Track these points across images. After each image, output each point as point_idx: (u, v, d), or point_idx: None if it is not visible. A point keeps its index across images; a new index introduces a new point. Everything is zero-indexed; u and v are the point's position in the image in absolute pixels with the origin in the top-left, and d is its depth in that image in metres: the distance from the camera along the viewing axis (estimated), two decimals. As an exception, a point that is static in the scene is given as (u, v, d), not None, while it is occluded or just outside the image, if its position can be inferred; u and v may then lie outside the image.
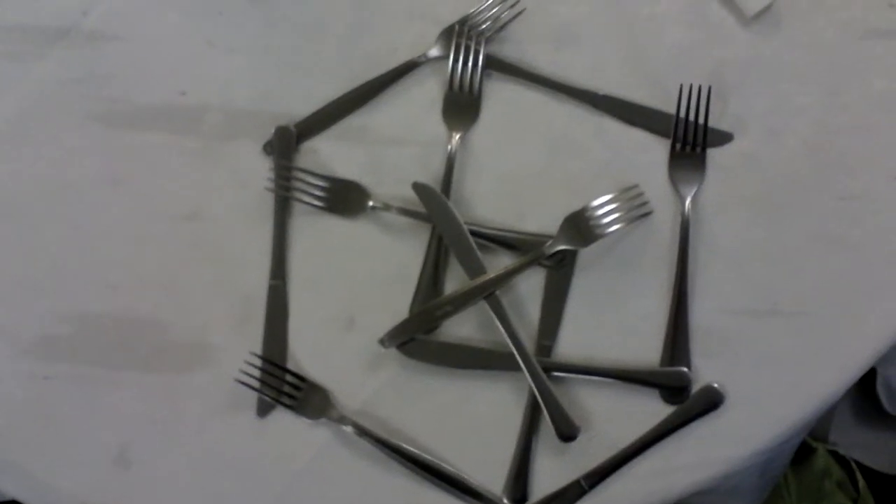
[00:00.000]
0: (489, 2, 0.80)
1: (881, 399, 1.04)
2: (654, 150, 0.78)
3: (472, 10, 0.80)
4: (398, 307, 0.76)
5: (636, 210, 0.75)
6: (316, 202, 0.78)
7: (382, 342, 0.74)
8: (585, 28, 0.81)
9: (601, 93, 0.79)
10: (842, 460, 1.12)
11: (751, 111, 0.78)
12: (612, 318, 0.75)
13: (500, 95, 0.80)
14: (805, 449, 1.10)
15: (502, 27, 0.80)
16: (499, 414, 0.74)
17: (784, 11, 0.79)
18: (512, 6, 0.80)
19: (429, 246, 0.77)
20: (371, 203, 0.77)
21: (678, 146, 0.77)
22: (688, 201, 0.76)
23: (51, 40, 0.83)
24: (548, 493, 0.73)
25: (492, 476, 0.73)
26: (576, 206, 0.74)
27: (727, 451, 0.73)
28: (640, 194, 0.76)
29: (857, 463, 1.12)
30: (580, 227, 0.74)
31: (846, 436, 1.13)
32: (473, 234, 0.75)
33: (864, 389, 1.08)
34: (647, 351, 0.74)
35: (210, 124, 0.81)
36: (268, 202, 0.79)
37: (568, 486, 0.73)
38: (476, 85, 0.79)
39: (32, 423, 0.77)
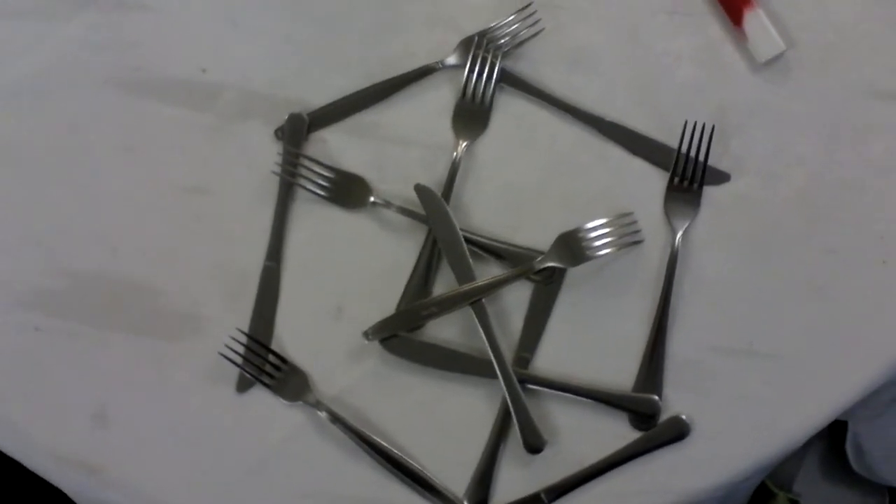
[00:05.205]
0: (510, 18, 0.82)
1: (849, 456, 1.06)
2: (653, 181, 0.79)
3: (492, 24, 0.82)
4: (386, 302, 0.77)
5: (628, 237, 0.76)
6: (319, 191, 0.79)
7: (366, 335, 0.76)
8: (600, 55, 0.82)
9: (608, 119, 0.80)
10: (801, 511, 1.13)
11: (750, 155, 0.79)
12: (591, 339, 0.77)
13: (510, 109, 0.81)
14: (766, 494, 1.11)
15: (520, 44, 0.82)
16: (470, 418, 0.76)
17: (794, 62, 0.80)
18: (532, 25, 0.81)
19: (423, 247, 0.78)
20: (372, 198, 0.79)
21: (676, 180, 0.79)
22: (679, 234, 0.77)
23: (81, 3, 0.84)
24: (508, 501, 0.74)
25: (455, 478, 0.75)
26: (570, 225, 0.75)
27: (686, 482, 0.74)
28: (634, 222, 0.77)
29: (816, 516, 1.13)
30: (572, 246, 0.75)
31: (810, 487, 1.15)
32: (468, 240, 0.77)
33: (834, 445, 1.09)
34: (621, 375, 0.76)
35: (226, 103, 0.82)
36: (272, 185, 0.80)
37: (528, 497, 0.74)
38: (488, 96, 0.81)
39: (18, 372, 0.78)
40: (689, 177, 0.78)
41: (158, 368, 0.78)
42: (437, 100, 0.82)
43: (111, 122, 0.83)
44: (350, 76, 0.82)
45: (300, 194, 0.80)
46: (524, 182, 0.80)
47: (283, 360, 0.77)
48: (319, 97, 0.82)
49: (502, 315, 0.77)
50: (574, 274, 0.77)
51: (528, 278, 0.77)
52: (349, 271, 0.79)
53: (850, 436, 1.04)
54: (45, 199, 0.81)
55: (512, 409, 0.73)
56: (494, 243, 0.78)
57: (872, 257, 0.77)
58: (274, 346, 0.77)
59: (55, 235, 0.80)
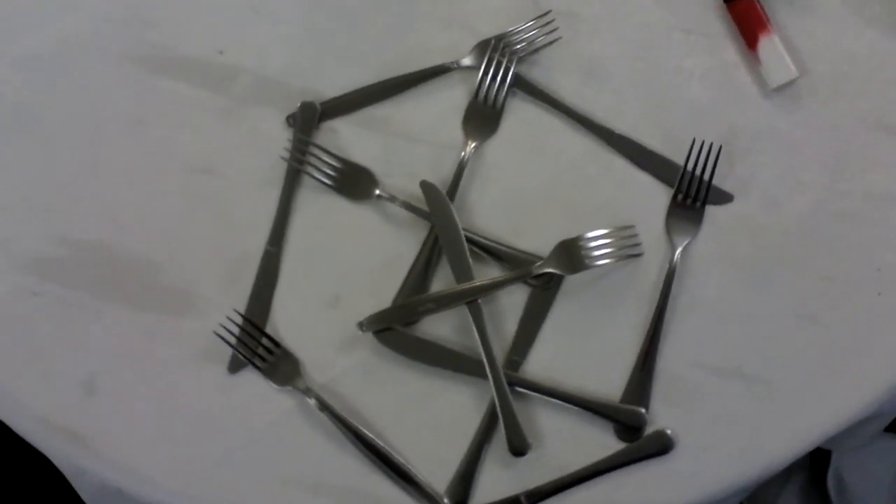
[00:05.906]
0: (528, 24, 0.82)
1: (829, 490, 1.06)
2: (656, 196, 0.80)
3: (510, 29, 0.82)
4: (383, 295, 0.78)
5: (628, 249, 0.77)
6: (326, 180, 0.80)
7: (361, 325, 0.76)
8: (614, 68, 0.82)
9: (617, 132, 0.81)
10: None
11: (755, 178, 0.80)
12: (583, 347, 0.77)
13: (520, 114, 0.82)
14: (745, 518, 1.12)
15: (536, 51, 0.82)
16: (457, 416, 0.76)
17: (805, 90, 0.81)
18: (549, 33, 0.82)
19: (424, 243, 0.79)
20: (378, 191, 0.80)
21: (680, 197, 0.79)
22: (678, 251, 0.78)
23: (105, -24, 0.86)
24: (488, 501, 0.75)
25: (438, 474, 0.75)
26: (572, 233, 0.76)
27: (666, 497, 0.75)
28: (635, 235, 0.78)
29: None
30: (571, 254, 0.76)
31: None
32: (469, 240, 0.77)
33: (816, 477, 1.09)
34: (610, 385, 0.76)
35: (240, 87, 0.83)
36: (280, 171, 0.81)
37: (508, 498, 0.74)
38: (500, 100, 0.81)
39: (12, 336, 0.79)
40: (692, 195, 0.79)
41: (151, 343, 0.78)
42: (450, 99, 0.82)
43: (125, 96, 0.83)
44: (364, 70, 0.83)
45: (306, 182, 0.81)
46: (529, 187, 0.81)
47: (277, 343, 0.77)
48: (332, 88, 0.83)
49: (497, 317, 0.78)
50: (571, 282, 0.78)
51: (526, 282, 0.78)
52: (349, 261, 0.79)
53: (832, 469, 1.05)
54: (53, 166, 0.82)
55: (499, 411, 0.74)
56: (495, 245, 0.78)
57: (868, 288, 0.77)
58: (268, 330, 0.78)
59: (60, 203, 0.81)
